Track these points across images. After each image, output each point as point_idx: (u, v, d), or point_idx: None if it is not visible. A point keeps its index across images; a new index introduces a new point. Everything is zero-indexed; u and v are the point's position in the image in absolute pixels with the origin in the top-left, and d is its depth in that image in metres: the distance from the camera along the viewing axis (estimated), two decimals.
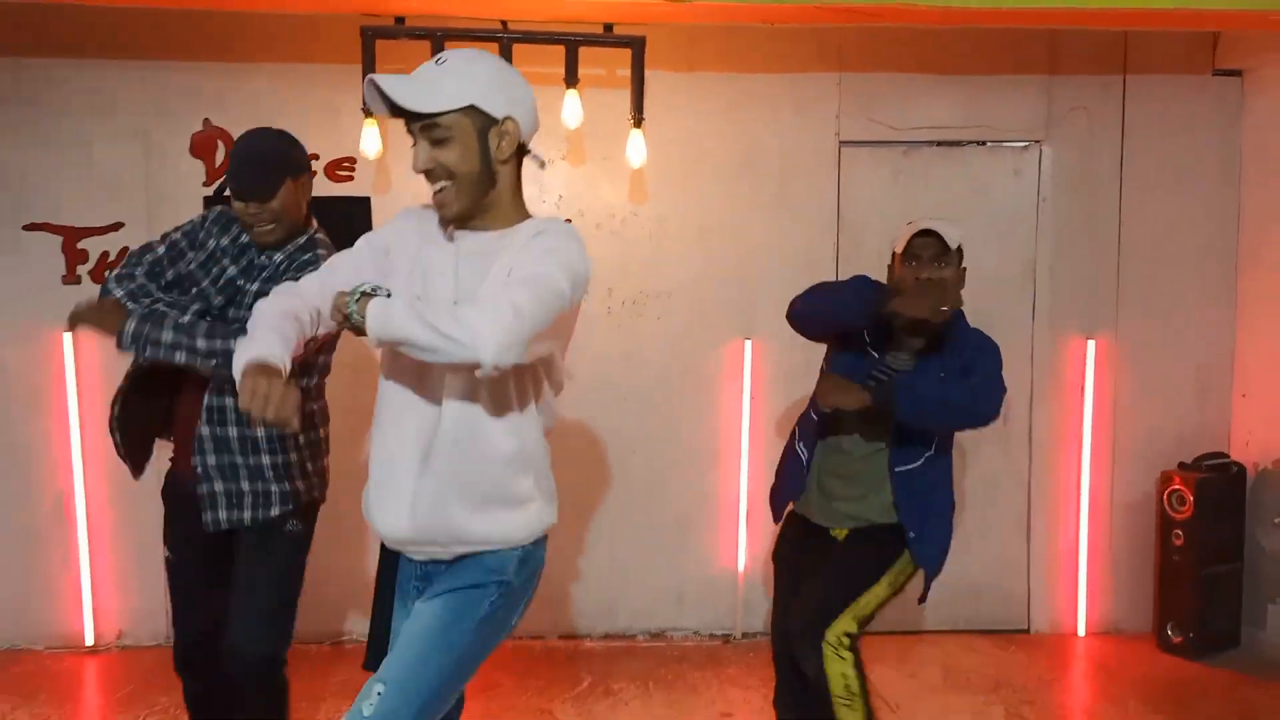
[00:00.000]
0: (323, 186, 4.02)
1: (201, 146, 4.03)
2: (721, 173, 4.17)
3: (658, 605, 4.26)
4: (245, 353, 1.71)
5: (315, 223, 2.60)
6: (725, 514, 4.24)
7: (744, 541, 4.20)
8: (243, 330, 2.30)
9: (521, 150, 1.88)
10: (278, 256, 2.49)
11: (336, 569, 3.89)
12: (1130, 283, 4.27)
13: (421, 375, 1.84)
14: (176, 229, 2.60)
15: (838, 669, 2.49)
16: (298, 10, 3.71)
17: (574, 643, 4.18)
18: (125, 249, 4.00)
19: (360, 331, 1.71)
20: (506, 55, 3.57)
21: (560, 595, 4.21)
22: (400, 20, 3.55)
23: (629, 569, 4.24)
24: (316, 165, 4.01)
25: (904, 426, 2.59)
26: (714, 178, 4.17)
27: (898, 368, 2.65)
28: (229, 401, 2.42)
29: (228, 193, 2.46)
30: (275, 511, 2.49)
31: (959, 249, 2.60)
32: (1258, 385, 4.18)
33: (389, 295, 1.74)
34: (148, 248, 2.57)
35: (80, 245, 4.01)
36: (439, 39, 3.52)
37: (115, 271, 2.56)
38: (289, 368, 1.71)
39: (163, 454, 2.69)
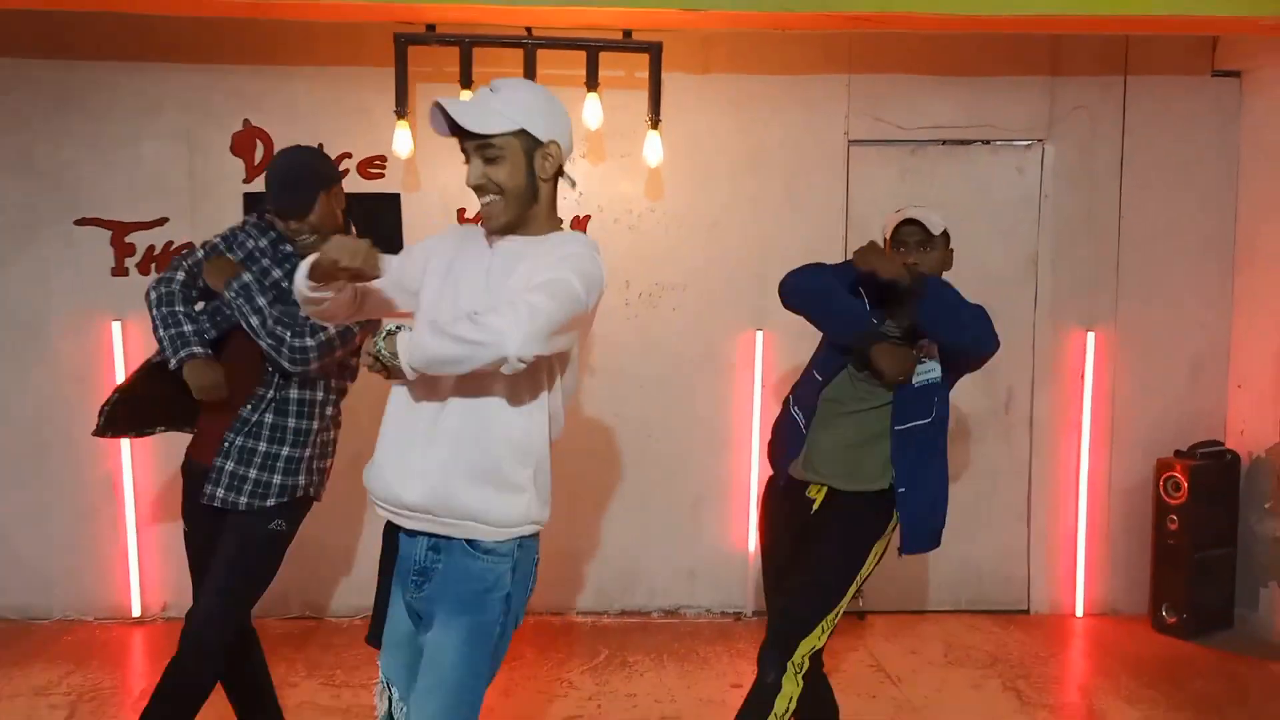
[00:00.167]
0: (355, 183, 4.23)
1: (242, 145, 4.24)
2: (734, 170, 4.35)
3: (672, 584, 4.47)
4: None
5: (353, 228, 2.77)
6: (737, 497, 4.43)
7: (755, 523, 4.39)
8: (289, 321, 2.54)
9: (559, 171, 2.03)
10: None
11: (330, 549, 4.13)
12: (1129, 276, 4.42)
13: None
14: (216, 235, 2.78)
15: (789, 690, 2.57)
16: (335, 19, 3.91)
17: (592, 618, 4.38)
18: (170, 243, 4.24)
19: (391, 372, 1.86)
20: (531, 60, 3.78)
21: (579, 574, 4.42)
22: (431, 28, 3.75)
23: (645, 549, 4.44)
24: (349, 163, 4.24)
25: (907, 390, 2.66)
26: (727, 175, 4.35)
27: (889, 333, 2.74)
28: (272, 394, 2.62)
29: (270, 209, 2.65)
30: (270, 503, 2.62)
31: (944, 234, 2.73)
32: (1252, 376, 4.32)
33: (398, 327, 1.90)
34: (190, 253, 2.75)
35: (128, 239, 4.23)
36: (467, 45, 3.73)
37: (161, 274, 2.74)
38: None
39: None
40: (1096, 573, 4.48)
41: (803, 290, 2.81)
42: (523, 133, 1.93)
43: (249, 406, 2.63)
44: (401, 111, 3.83)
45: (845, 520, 2.70)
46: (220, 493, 2.61)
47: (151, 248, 4.24)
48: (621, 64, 4.02)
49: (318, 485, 2.77)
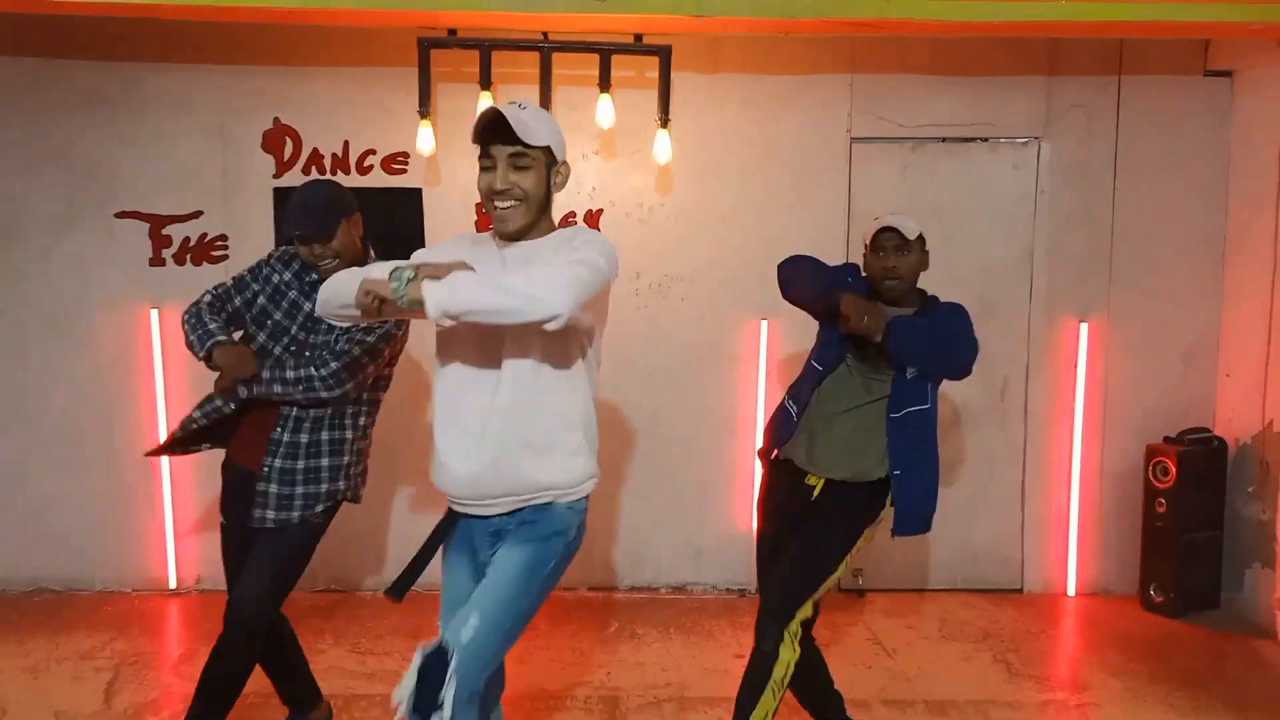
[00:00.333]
0: (378, 179, 4.44)
1: (272, 141, 4.45)
2: (741, 166, 4.53)
3: (680, 562, 4.68)
4: (363, 275, 2.05)
5: (372, 252, 2.93)
6: (741, 481, 4.63)
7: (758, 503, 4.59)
8: (315, 356, 2.74)
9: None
10: None
11: (356, 529, 4.35)
12: (1122, 270, 4.58)
13: (483, 350, 2.17)
14: (245, 269, 2.97)
15: (786, 657, 2.75)
16: (361, 24, 4.10)
17: (604, 594, 4.59)
18: (204, 235, 4.46)
19: (401, 310, 1.96)
20: (547, 63, 3.97)
21: (591, 552, 4.62)
22: (452, 32, 3.94)
23: (654, 529, 4.65)
24: (373, 160, 4.44)
25: (903, 380, 2.81)
26: (734, 171, 4.53)
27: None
28: (303, 413, 2.80)
29: (296, 236, 2.80)
30: (318, 508, 2.82)
31: (919, 238, 2.88)
32: (1241, 366, 4.47)
33: (411, 286, 1.97)
34: (220, 285, 2.95)
35: (165, 231, 4.45)
36: (486, 48, 3.93)
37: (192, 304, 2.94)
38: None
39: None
40: (1088, 554, 4.66)
41: (791, 262, 3.04)
42: (547, 149, 2.14)
43: (279, 429, 2.79)
44: (424, 111, 4.03)
45: (842, 505, 2.87)
46: (271, 514, 2.78)
47: (187, 239, 4.46)
48: (633, 65, 4.21)
49: (355, 489, 2.94)
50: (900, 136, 4.54)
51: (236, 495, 2.89)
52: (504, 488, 2.17)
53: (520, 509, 2.19)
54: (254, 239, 4.45)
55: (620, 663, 3.88)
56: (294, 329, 2.85)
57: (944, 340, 2.80)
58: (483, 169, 2.15)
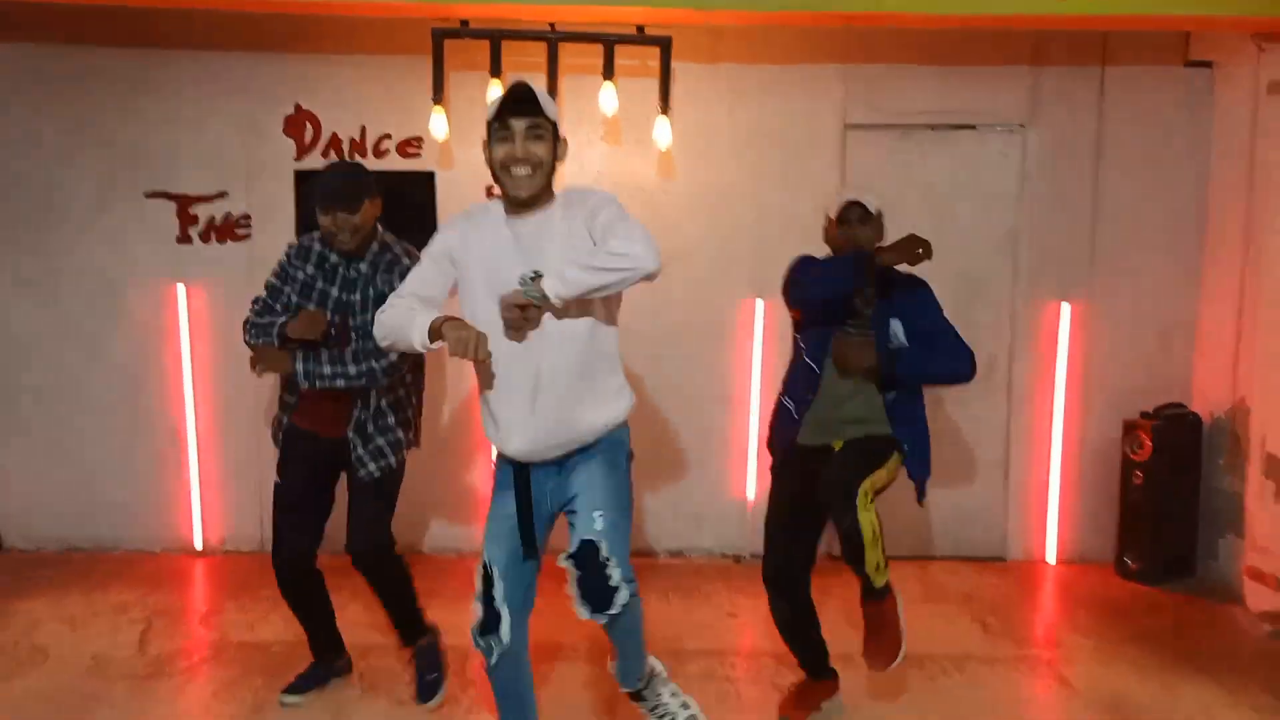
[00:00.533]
0: (394, 162, 4.67)
1: (293, 126, 4.67)
2: (739, 151, 4.73)
3: (678, 528, 4.91)
4: (424, 322, 2.34)
5: (380, 230, 3.14)
6: (736, 451, 4.86)
7: (753, 474, 4.83)
8: (371, 348, 2.96)
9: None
10: (363, 266, 3.08)
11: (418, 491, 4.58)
12: (1103, 252, 4.78)
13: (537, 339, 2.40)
14: (271, 274, 3.19)
15: (868, 518, 2.92)
16: (379, 15, 4.31)
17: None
18: (229, 214, 4.70)
19: (528, 317, 2.32)
20: (554, 52, 4.19)
21: None
22: (464, 23, 4.16)
23: (653, 497, 4.88)
24: (389, 144, 4.67)
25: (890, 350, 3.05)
26: (732, 156, 4.73)
27: (857, 326, 3.11)
28: (380, 402, 3.13)
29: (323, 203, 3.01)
30: (400, 455, 3.20)
31: (879, 213, 3.09)
32: (1216, 344, 4.66)
33: (538, 274, 2.30)
34: (256, 299, 3.20)
35: (192, 210, 4.70)
36: (497, 39, 4.14)
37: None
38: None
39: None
40: (1068, 524, 4.88)
41: (804, 268, 3.17)
42: (554, 124, 2.40)
43: (357, 405, 3.11)
44: (438, 98, 4.25)
45: (866, 443, 3.08)
46: (372, 467, 3.14)
47: (212, 218, 4.70)
48: (636, 54, 4.41)
49: (416, 436, 3.32)
50: (892, 124, 4.74)
51: (303, 459, 3.21)
52: (567, 442, 2.47)
53: (580, 449, 2.50)
54: (276, 218, 4.69)
55: None
56: (329, 317, 3.09)
57: (943, 357, 3.05)
58: (499, 140, 2.37)
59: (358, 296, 3.08)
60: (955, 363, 3.06)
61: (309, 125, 4.67)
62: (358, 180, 3.04)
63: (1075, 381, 4.83)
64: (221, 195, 4.70)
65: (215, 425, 4.82)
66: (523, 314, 2.33)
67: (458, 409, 4.82)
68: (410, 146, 4.68)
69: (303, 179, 4.65)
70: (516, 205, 2.44)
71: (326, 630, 3.43)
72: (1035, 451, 4.88)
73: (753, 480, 4.83)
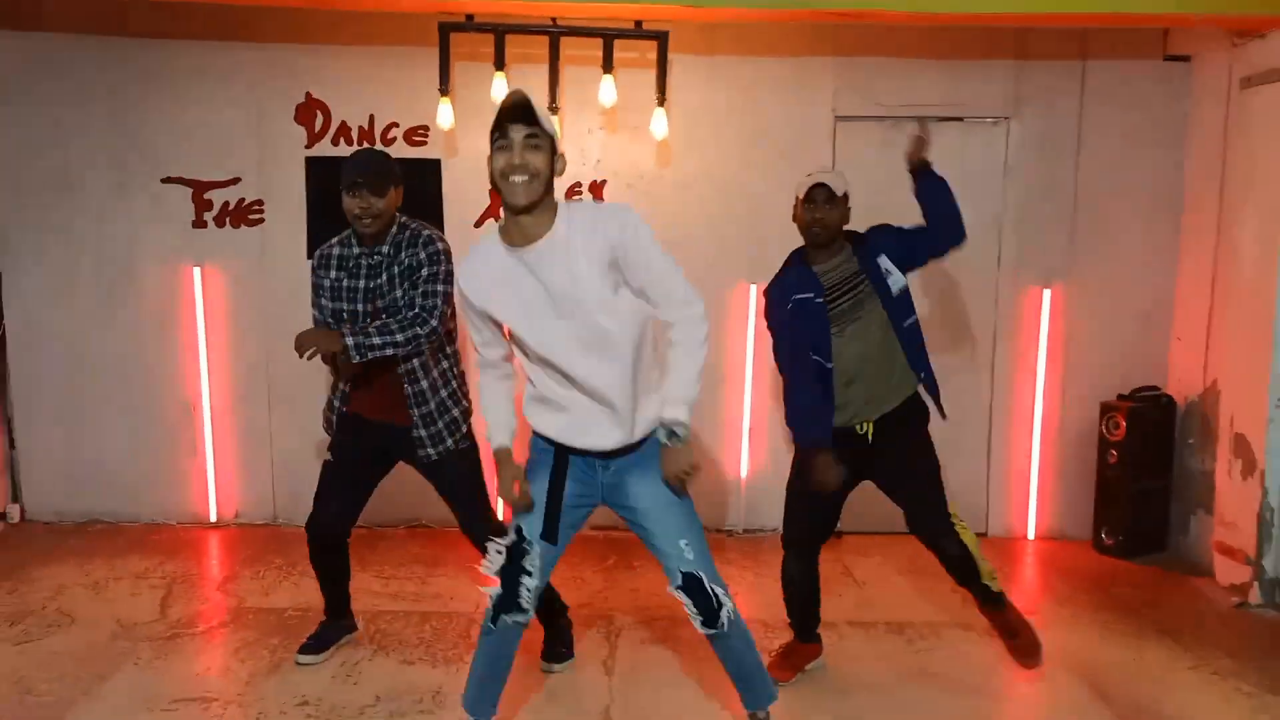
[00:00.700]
0: (401, 150, 4.83)
1: (304, 114, 4.85)
2: (734, 141, 4.91)
3: None
4: (492, 439, 2.68)
5: (401, 218, 3.29)
6: (730, 430, 5.06)
7: (746, 454, 5.03)
8: (412, 317, 3.14)
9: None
10: (385, 248, 3.23)
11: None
12: (1083, 240, 4.96)
13: (578, 319, 2.50)
14: (312, 298, 3.36)
15: (968, 538, 3.34)
16: (387, 9, 4.48)
17: (604, 532, 4.95)
18: (242, 199, 4.88)
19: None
20: (555, 46, 4.36)
21: None
22: (469, 17, 4.33)
23: None
24: (396, 132, 4.85)
25: (890, 297, 3.24)
26: (727, 146, 4.91)
27: (842, 274, 3.28)
28: (412, 365, 3.25)
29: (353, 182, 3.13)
30: (462, 429, 3.34)
31: (845, 194, 3.28)
32: (1191, 329, 4.85)
33: (671, 431, 2.54)
34: (315, 318, 3.37)
35: (206, 195, 4.88)
36: (501, 32, 4.31)
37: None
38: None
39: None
40: (1047, 501, 5.08)
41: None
42: (551, 138, 2.48)
43: (407, 385, 3.24)
44: (444, 89, 4.42)
45: (904, 430, 3.32)
46: (432, 450, 3.30)
47: (226, 203, 4.88)
48: (634, 47, 4.58)
49: (470, 407, 3.41)
50: (880, 115, 4.91)
51: (352, 441, 3.38)
52: (625, 440, 2.61)
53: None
54: (287, 204, 4.88)
55: (616, 587, 4.33)
56: (362, 309, 3.25)
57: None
58: (498, 149, 2.45)
59: (384, 277, 3.22)
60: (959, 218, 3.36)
61: (319, 113, 4.84)
62: (385, 167, 3.19)
63: (1055, 365, 5.02)
64: (235, 181, 4.88)
65: (229, 403, 5.01)
66: (690, 472, 2.60)
67: None
68: (417, 135, 4.86)
69: (313, 165, 4.83)
70: (515, 214, 2.45)
71: (342, 594, 3.64)
72: (1016, 432, 5.07)
73: (745, 458, 5.03)
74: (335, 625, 3.65)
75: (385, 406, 3.29)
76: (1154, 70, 4.88)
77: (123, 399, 4.99)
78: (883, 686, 3.46)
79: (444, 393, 3.32)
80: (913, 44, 4.82)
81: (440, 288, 3.18)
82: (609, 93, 4.43)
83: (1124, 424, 4.77)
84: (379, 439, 3.35)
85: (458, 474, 3.36)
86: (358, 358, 3.08)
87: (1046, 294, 4.98)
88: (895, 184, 4.87)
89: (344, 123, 4.84)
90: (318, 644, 3.57)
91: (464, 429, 3.37)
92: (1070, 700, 3.37)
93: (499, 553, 2.67)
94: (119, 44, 4.79)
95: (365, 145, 4.81)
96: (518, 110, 2.42)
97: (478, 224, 4.90)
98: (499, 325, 2.61)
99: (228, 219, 4.89)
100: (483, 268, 2.56)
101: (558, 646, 3.54)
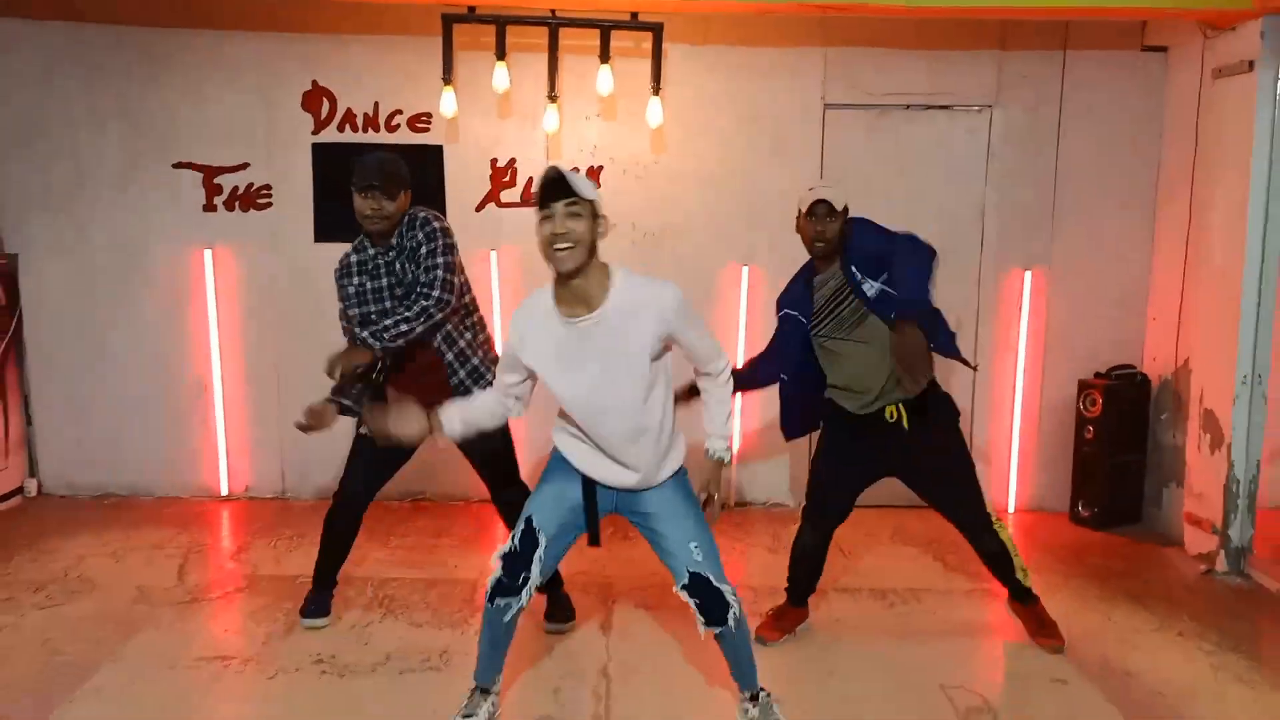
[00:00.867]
0: (405, 136, 5.00)
1: (310, 101, 5.01)
2: (726, 128, 5.08)
3: None
4: (445, 415, 2.86)
5: (416, 211, 3.43)
6: None
7: (738, 429, 5.22)
8: (418, 293, 3.31)
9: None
10: (394, 241, 3.39)
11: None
12: (1063, 224, 5.15)
13: (615, 390, 2.68)
14: (339, 306, 3.50)
15: (1005, 534, 3.59)
16: (392, 1, 4.63)
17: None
18: (251, 184, 5.04)
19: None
20: (554, 36, 4.52)
21: None
22: (471, 9, 4.48)
23: None
24: (400, 119, 5.01)
25: (873, 302, 3.35)
26: (720, 133, 5.08)
27: (832, 290, 3.45)
28: (443, 347, 3.44)
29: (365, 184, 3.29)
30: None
31: (845, 208, 3.42)
32: (1166, 310, 5.04)
33: (724, 449, 2.92)
34: (348, 331, 3.51)
35: (216, 180, 5.04)
36: (502, 23, 4.47)
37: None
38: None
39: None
40: (1027, 475, 5.29)
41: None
42: (592, 203, 2.62)
43: (448, 373, 3.45)
44: (447, 78, 4.58)
45: (933, 426, 3.47)
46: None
47: (236, 188, 5.05)
48: (630, 37, 4.74)
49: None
50: (868, 104, 5.08)
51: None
52: (648, 481, 2.81)
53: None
54: (295, 188, 5.05)
55: (614, 558, 4.52)
56: (389, 306, 3.41)
57: (908, 267, 3.34)
58: (543, 220, 2.56)
59: (398, 267, 3.40)
60: (918, 259, 3.35)
61: (325, 101, 5.00)
62: (398, 171, 3.34)
63: (1035, 344, 5.22)
64: (244, 166, 5.04)
65: (239, 381, 5.19)
66: (717, 491, 2.93)
67: None
68: (420, 121, 5.02)
69: (320, 151, 5.00)
70: (564, 280, 2.61)
71: (338, 565, 3.78)
72: (998, 409, 5.27)
73: (737, 434, 5.22)
74: (324, 593, 3.78)
75: (420, 390, 3.41)
76: (1132, 61, 5.05)
77: (136, 377, 5.16)
78: (864, 643, 3.66)
79: (475, 360, 3.49)
80: (899, 35, 4.98)
81: (440, 259, 3.32)
82: (606, 82, 4.59)
83: (1101, 401, 4.97)
84: None
85: (490, 446, 3.47)
86: (377, 345, 3.25)
87: (1027, 276, 5.17)
88: (883, 172, 5.09)
89: (349, 110, 5.00)
90: (318, 608, 3.73)
91: None
92: (1039, 656, 3.57)
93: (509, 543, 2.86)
94: (133, 33, 4.94)
95: (371, 133, 4.98)
96: (554, 185, 2.56)
97: (479, 208, 5.07)
98: (533, 378, 2.81)
99: (237, 203, 5.05)
100: (530, 321, 2.73)
101: (559, 610, 3.73)
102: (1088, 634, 3.76)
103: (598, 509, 2.86)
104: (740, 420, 5.21)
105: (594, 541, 2.91)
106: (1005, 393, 5.25)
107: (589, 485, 2.83)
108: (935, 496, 3.61)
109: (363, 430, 3.58)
